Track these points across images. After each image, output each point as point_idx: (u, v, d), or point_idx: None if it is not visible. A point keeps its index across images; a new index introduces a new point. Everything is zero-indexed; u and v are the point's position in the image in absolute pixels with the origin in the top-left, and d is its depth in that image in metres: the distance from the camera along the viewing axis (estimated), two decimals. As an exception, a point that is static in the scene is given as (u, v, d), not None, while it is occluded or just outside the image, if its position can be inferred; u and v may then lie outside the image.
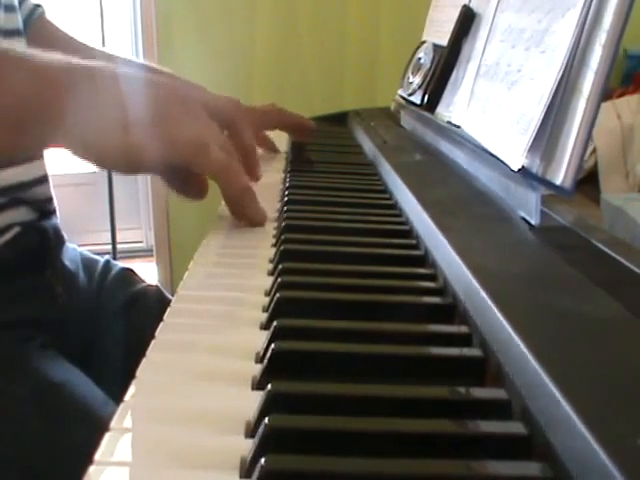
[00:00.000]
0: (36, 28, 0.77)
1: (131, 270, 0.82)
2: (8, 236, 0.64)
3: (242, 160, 0.57)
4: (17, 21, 0.70)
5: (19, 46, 0.68)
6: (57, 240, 0.72)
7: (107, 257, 0.82)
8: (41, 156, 0.71)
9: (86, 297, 0.75)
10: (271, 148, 0.87)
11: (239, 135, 0.59)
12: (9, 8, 0.68)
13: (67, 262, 0.73)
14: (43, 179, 0.71)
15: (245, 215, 0.55)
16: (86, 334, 0.72)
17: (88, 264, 0.78)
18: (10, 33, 0.68)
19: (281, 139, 0.89)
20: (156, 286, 0.82)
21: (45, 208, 0.71)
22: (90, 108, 0.48)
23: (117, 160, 0.49)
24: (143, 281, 0.81)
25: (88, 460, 0.26)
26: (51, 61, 0.48)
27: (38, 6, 0.80)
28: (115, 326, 0.74)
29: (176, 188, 0.56)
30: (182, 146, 0.49)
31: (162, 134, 0.49)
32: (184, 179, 0.55)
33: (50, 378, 0.59)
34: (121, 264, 0.83)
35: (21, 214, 0.67)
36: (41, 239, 0.68)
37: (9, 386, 0.57)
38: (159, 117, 0.49)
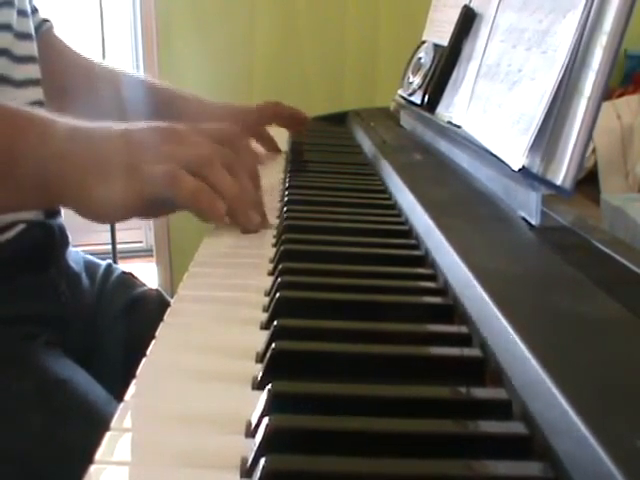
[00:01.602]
0: (43, 42, 0.78)
1: (132, 274, 0.83)
2: (13, 232, 0.65)
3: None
4: (29, 26, 0.71)
5: (26, 51, 0.69)
6: (62, 239, 0.72)
7: (108, 261, 0.83)
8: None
9: (88, 299, 0.75)
10: (271, 146, 0.87)
11: (237, 152, 0.58)
12: (22, 12, 0.69)
13: (72, 263, 0.74)
14: None
15: (235, 220, 0.55)
16: (87, 334, 0.72)
17: (90, 267, 0.79)
18: (23, 36, 0.69)
19: (281, 139, 0.89)
20: (156, 289, 0.83)
21: (52, 209, 0.71)
22: (82, 171, 0.51)
23: (109, 213, 0.53)
24: (144, 284, 0.82)
25: (89, 458, 0.26)
26: (56, 128, 0.52)
27: (46, 20, 0.82)
28: (116, 328, 0.74)
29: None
30: (154, 180, 0.50)
31: (134, 176, 0.50)
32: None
33: (53, 375, 0.59)
34: (122, 267, 0.84)
35: (27, 212, 0.67)
36: (46, 237, 0.69)
37: (12, 383, 0.57)
38: (129, 161, 0.51)
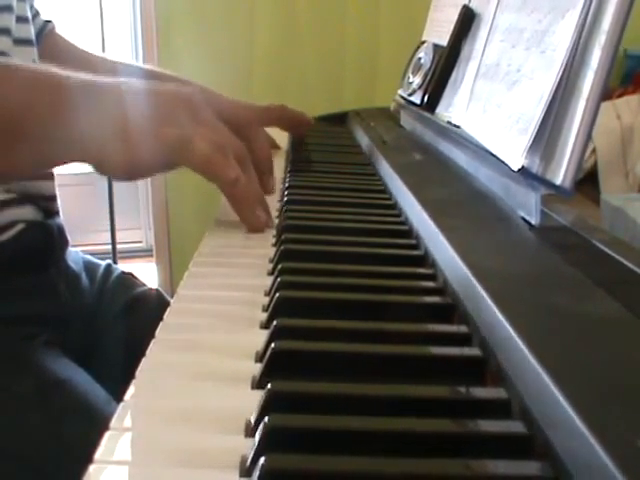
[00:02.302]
0: (47, 42, 0.79)
1: (131, 274, 0.83)
2: (12, 232, 0.65)
3: (255, 169, 0.57)
4: (29, 31, 0.71)
5: (29, 58, 0.69)
6: (61, 240, 0.72)
7: (108, 261, 0.83)
8: (42, 167, 0.72)
9: (88, 299, 0.75)
10: (271, 145, 0.87)
11: (253, 138, 0.59)
12: (22, 19, 0.70)
13: (71, 263, 0.74)
14: (49, 175, 0.72)
15: (241, 217, 0.55)
16: (87, 334, 0.72)
17: (90, 268, 0.79)
18: (22, 42, 0.69)
19: (281, 139, 0.89)
20: (156, 289, 0.83)
21: (49, 207, 0.71)
22: (89, 118, 0.50)
23: (116, 164, 0.51)
24: (144, 284, 0.82)
25: (89, 458, 0.26)
26: (49, 73, 0.51)
27: (49, 22, 0.82)
28: (115, 328, 0.74)
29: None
30: (167, 141, 0.50)
31: (150, 134, 0.50)
32: None
33: (53, 375, 0.59)
34: (122, 267, 0.84)
35: (26, 212, 0.67)
36: (45, 237, 0.69)
37: (12, 382, 0.57)
38: (152, 121, 0.51)
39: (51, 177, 0.72)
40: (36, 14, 0.79)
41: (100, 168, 0.52)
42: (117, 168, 0.51)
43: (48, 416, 0.55)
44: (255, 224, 0.55)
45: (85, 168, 0.52)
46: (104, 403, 0.59)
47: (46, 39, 0.80)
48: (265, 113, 0.82)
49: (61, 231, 0.72)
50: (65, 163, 0.53)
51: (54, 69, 0.52)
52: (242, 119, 0.58)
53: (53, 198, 0.73)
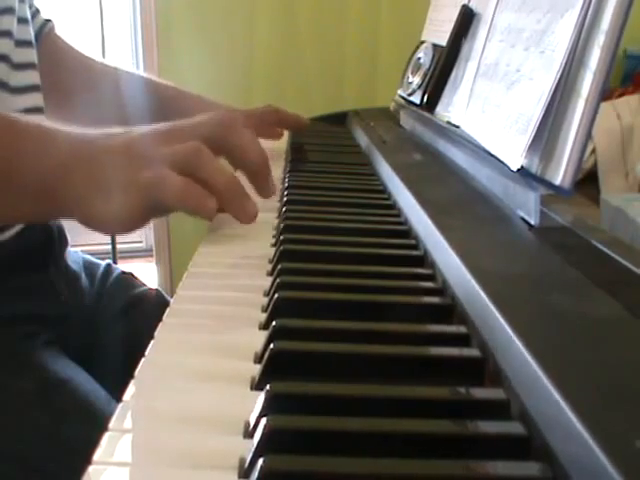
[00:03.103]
0: (46, 42, 0.79)
1: (131, 274, 0.83)
2: (12, 232, 0.65)
3: (250, 180, 0.54)
4: (29, 33, 0.71)
5: (26, 58, 0.69)
6: (61, 240, 0.72)
7: (108, 261, 0.83)
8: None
9: (88, 299, 0.75)
10: (273, 134, 0.85)
11: (239, 154, 0.54)
12: (22, 20, 0.69)
13: (70, 263, 0.74)
14: None
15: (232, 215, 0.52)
16: (87, 334, 0.72)
17: (90, 267, 0.79)
18: (23, 43, 0.69)
19: (281, 139, 0.89)
20: (156, 289, 0.83)
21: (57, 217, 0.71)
22: (88, 185, 0.49)
23: (103, 218, 0.50)
24: (143, 284, 0.82)
25: (90, 457, 0.26)
26: (65, 140, 0.51)
27: (48, 21, 0.82)
28: (115, 327, 0.74)
29: None
30: (140, 185, 0.48)
31: (127, 182, 0.48)
32: None
33: (53, 374, 0.59)
34: (122, 267, 0.84)
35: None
36: (45, 237, 0.69)
37: (13, 382, 0.57)
38: (128, 169, 0.49)
39: None
40: (36, 12, 0.78)
41: (90, 224, 0.50)
42: (106, 222, 0.50)
43: (48, 416, 0.56)
44: (241, 217, 0.51)
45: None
46: (105, 403, 0.59)
47: (45, 39, 0.80)
48: (259, 119, 0.81)
49: (60, 231, 0.72)
50: (49, 217, 0.54)
51: (41, 123, 0.52)
52: (223, 120, 0.54)
53: None
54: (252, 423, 0.28)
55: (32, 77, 0.70)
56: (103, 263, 0.82)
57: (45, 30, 0.81)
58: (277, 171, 0.77)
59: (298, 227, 0.53)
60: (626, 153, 0.90)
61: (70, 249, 0.76)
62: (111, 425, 0.28)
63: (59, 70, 0.81)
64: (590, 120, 0.42)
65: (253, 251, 0.51)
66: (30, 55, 0.71)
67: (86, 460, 0.26)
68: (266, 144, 0.84)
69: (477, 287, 0.34)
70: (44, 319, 0.66)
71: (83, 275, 0.77)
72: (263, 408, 0.28)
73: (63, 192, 0.49)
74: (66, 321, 0.69)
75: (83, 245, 0.83)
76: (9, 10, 0.66)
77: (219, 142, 0.51)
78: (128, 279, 0.81)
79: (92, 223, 0.50)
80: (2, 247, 0.64)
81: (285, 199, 0.61)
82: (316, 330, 0.36)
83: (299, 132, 0.89)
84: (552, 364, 0.26)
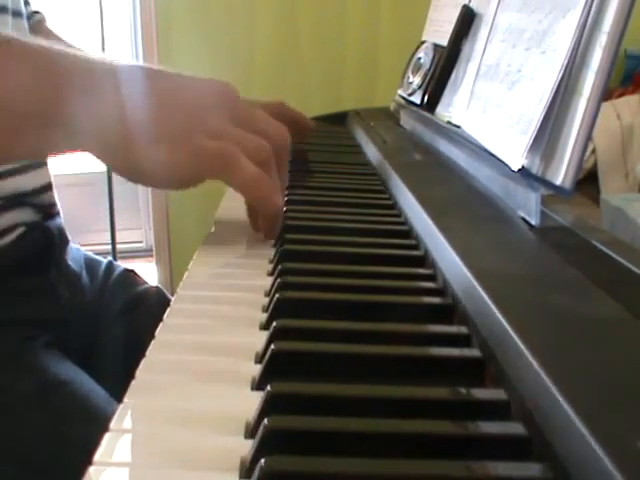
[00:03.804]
0: (35, 34, 0.75)
1: (133, 271, 0.82)
2: (13, 236, 0.65)
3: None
4: (24, 27, 0.70)
5: (23, 34, 0.67)
6: (61, 240, 0.72)
7: (109, 258, 0.83)
8: (45, 164, 0.72)
9: (89, 297, 0.75)
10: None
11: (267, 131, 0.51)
12: (17, 14, 0.69)
13: (71, 262, 0.74)
14: (47, 187, 0.72)
15: (266, 232, 0.52)
16: (88, 334, 0.72)
17: (91, 265, 0.79)
18: None
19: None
20: (157, 287, 0.82)
21: (48, 211, 0.71)
22: (112, 112, 0.45)
23: (153, 177, 0.47)
24: (145, 282, 0.82)
25: (91, 458, 0.26)
26: (62, 55, 0.46)
27: (37, 12, 0.80)
28: (116, 327, 0.74)
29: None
30: (206, 157, 0.46)
31: (188, 145, 0.45)
32: None
33: (53, 376, 0.59)
34: (123, 265, 0.84)
35: (25, 215, 0.67)
36: (46, 239, 0.69)
37: (13, 384, 0.57)
38: (189, 126, 0.46)
39: (49, 188, 0.72)
40: (25, 3, 0.76)
41: (125, 170, 0.47)
42: (155, 175, 0.46)
43: (49, 417, 0.55)
44: (274, 233, 0.51)
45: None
46: (104, 403, 0.59)
47: (35, 31, 0.77)
48: (265, 110, 0.79)
49: (61, 231, 0.72)
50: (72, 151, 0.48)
51: (70, 50, 0.47)
52: (279, 133, 0.51)
53: (52, 205, 0.73)
54: (253, 423, 0.28)
55: None
56: (105, 260, 0.81)
57: (32, 22, 0.78)
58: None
59: (298, 227, 0.53)
60: (626, 153, 0.90)
61: (71, 245, 0.76)
62: (111, 425, 0.28)
63: None
64: (591, 120, 0.42)
65: (253, 251, 0.51)
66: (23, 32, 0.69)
67: (86, 460, 0.26)
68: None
69: (478, 287, 0.34)
70: (44, 322, 0.66)
71: (84, 273, 0.76)
72: (264, 408, 0.28)
73: (74, 119, 0.45)
74: (66, 323, 0.69)
75: (83, 245, 0.83)
76: (2, 8, 0.66)
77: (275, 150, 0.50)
78: (130, 277, 0.81)
79: (128, 170, 0.46)
80: (3, 252, 0.64)
81: (286, 199, 0.61)
82: (316, 330, 0.36)
83: (299, 135, 0.86)
84: (553, 364, 0.26)
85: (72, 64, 0.46)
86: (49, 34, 0.82)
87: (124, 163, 0.46)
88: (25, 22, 0.71)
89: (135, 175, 0.47)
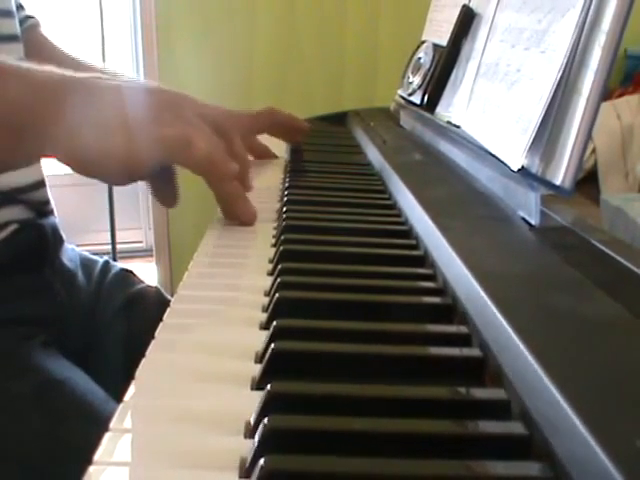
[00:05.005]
0: (29, 39, 0.76)
1: (130, 271, 0.82)
2: (5, 233, 0.64)
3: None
4: (15, 27, 0.69)
5: (14, 55, 0.67)
6: (55, 239, 0.72)
7: (106, 258, 0.82)
8: (38, 161, 0.71)
9: (85, 297, 0.74)
10: (264, 154, 0.82)
11: (230, 143, 0.57)
12: (6, 13, 0.68)
13: (66, 261, 0.73)
14: (40, 184, 0.71)
15: (234, 212, 0.56)
16: (85, 334, 0.72)
17: (87, 264, 0.78)
18: (7, 38, 0.67)
19: (280, 143, 0.89)
20: (155, 287, 0.82)
21: (42, 209, 0.71)
22: (82, 119, 0.49)
23: (110, 166, 0.50)
24: (142, 282, 0.81)
25: (89, 458, 0.26)
26: (45, 73, 0.50)
27: (30, 17, 0.79)
28: (114, 327, 0.74)
29: (158, 195, 0.57)
30: (167, 142, 0.50)
31: (149, 134, 0.49)
32: (164, 185, 0.56)
33: (50, 376, 0.59)
34: (120, 264, 0.83)
35: (18, 212, 0.67)
36: (39, 237, 0.68)
37: (9, 384, 0.57)
38: (148, 120, 0.50)
39: (42, 185, 0.72)
40: (19, 7, 0.75)
41: (83, 166, 0.50)
42: (115, 168, 0.50)
43: (46, 417, 0.55)
44: (250, 216, 0.56)
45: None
46: (103, 403, 0.59)
47: (28, 35, 0.76)
48: (253, 121, 0.78)
49: (55, 230, 0.72)
50: (50, 157, 0.51)
51: (47, 67, 0.50)
52: (218, 122, 0.56)
53: (46, 203, 0.72)
54: (253, 423, 0.28)
55: None
56: (101, 260, 0.81)
57: (26, 25, 0.77)
58: (277, 171, 0.77)
59: (298, 227, 0.53)
60: (626, 153, 0.90)
61: (67, 245, 0.75)
62: (111, 425, 0.28)
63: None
64: (591, 120, 0.42)
65: (253, 251, 0.51)
66: (18, 51, 0.68)
67: (85, 460, 0.26)
68: (265, 143, 0.84)
69: (478, 287, 0.34)
70: (41, 320, 0.66)
71: (80, 273, 0.76)
72: (264, 408, 0.28)
73: (45, 125, 0.48)
74: (63, 321, 0.68)
75: (83, 245, 0.83)
76: None
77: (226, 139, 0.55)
78: (127, 276, 0.80)
79: (87, 165, 0.50)
80: None
81: (285, 199, 0.61)
82: (316, 330, 0.36)
83: (295, 139, 0.84)
84: (553, 364, 0.26)
85: (57, 81, 0.50)
86: (43, 40, 0.81)
87: (82, 154, 0.49)
88: (16, 23, 0.70)
89: (95, 168, 0.50)
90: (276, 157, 0.83)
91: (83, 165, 0.50)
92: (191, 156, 0.50)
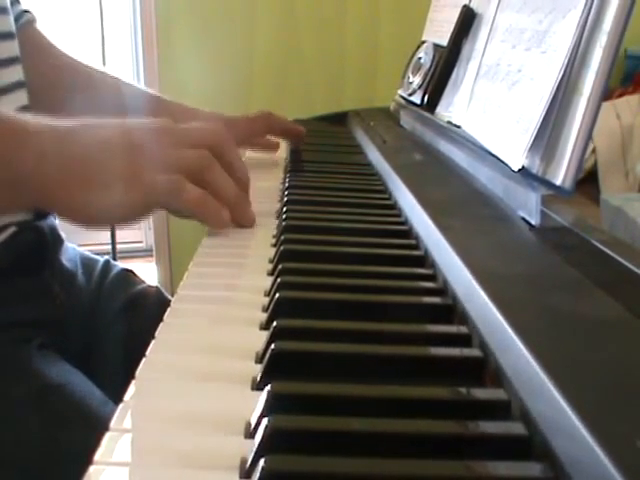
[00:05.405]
0: (25, 35, 0.75)
1: (131, 271, 0.81)
2: (4, 236, 0.64)
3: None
4: (9, 24, 0.68)
5: (7, 54, 0.67)
6: (54, 240, 0.71)
7: (106, 257, 0.82)
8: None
9: (85, 297, 0.74)
10: (269, 146, 0.84)
11: (227, 158, 0.56)
12: (0, 10, 0.67)
13: (66, 262, 0.73)
14: None
15: (239, 223, 0.56)
16: (85, 335, 0.72)
17: (87, 264, 0.78)
18: (1, 36, 0.66)
19: (280, 140, 0.89)
20: (156, 287, 0.82)
21: (40, 210, 0.71)
22: (73, 177, 0.49)
23: (104, 221, 0.52)
24: (143, 282, 0.81)
25: (87, 460, 0.26)
26: (36, 126, 0.51)
27: (26, 12, 0.78)
28: (114, 327, 0.73)
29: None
30: (156, 190, 0.50)
31: (139, 182, 0.49)
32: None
33: (49, 379, 0.59)
34: (121, 264, 0.83)
35: (16, 214, 0.66)
36: (38, 239, 0.68)
37: (8, 387, 0.57)
38: (137, 171, 0.50)
39: None
40: (13, 2, 0.74)
41: (75, 217, 0.51)
42: (96, 216, 0.51)
43: (45, 420, 0.55)
44: (247, 224, 0.56)
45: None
46: (101, 405, 0.58)
47: (23, 31, 0.75)
48: (250, 126, 0.79)
49: (54, 231, 0.71)
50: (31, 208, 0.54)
51: (37, 119, 0.51)
52: (217, 143, 0.55)
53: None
54: (253, 423, 0.28)
55: (16, 73, 0.67)
56: (101, 259, 0.80)
57: (21, 21, 0.76)
58: (277, 171, 0.77)
59: (298, 227, 0.53)
60: (626, 153, 0.90)
61: (67, 244, 0.75)
62: (111, 425, 0.28)
63: (45, 65, 0.78)
64: (591, 120, 0.42)
65: (253, 251, 0.51)
66: (12, 49, 0.68)
67: (84, 462, 0.26)
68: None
69: (478, 287, 0.34)
70: (39, 323, 0.65)
71: (79, 272, 0.75)
72: (264, 408, 0.28)
73: (38, 181, 0.49)
74: (62, 323, 0.68)
75: (83, 245, 0.83)
76: None
77: (217, 153, 0.54)
78: (127, 276, 0.79)
79: (77, 216, 0.50)
80: None
81: (285, 199, 0.61)
82: (316, 330, 0.36)
83: (293, 142, 0.86)
84: (553, 364, 0.26)
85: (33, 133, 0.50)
86: (39, 37, 0.80)
87: (77, 208, 0.50)
88: (11, 19, 0.69)
89: (90, 219, 0.52)
90: (277, 148, 0.85)
91: (78, 223, 0.51)
92: (182, 203, 0.50)
